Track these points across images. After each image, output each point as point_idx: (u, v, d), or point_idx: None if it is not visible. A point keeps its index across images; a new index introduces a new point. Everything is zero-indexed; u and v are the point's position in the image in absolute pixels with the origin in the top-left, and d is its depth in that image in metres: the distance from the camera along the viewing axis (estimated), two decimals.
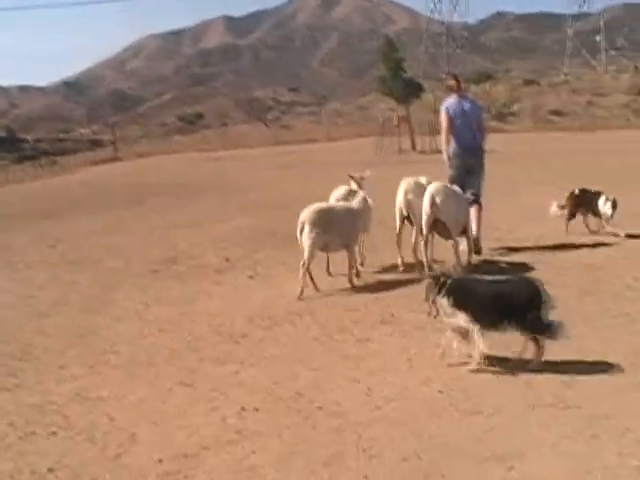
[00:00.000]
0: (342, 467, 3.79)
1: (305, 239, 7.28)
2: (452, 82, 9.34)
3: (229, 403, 4.75)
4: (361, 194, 8.09)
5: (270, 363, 5.49)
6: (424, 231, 7.97)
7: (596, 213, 9.54)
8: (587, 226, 9.79)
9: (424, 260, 7.99)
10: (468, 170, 8.91)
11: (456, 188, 8.31)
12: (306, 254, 7.25)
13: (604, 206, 9.32)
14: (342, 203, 8.06)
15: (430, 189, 7.89)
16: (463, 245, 8.30)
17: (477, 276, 5.99)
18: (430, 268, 7.88)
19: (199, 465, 3.90)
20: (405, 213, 8.26)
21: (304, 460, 3.89)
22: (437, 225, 7.96)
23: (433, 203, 7.77)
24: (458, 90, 9.20)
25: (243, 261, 9.17)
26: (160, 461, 3.96)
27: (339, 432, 4.20)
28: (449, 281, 5.05)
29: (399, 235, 8.38)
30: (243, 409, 4.62)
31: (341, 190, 8.63)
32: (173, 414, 4.62)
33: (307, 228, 7.25)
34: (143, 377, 5.35)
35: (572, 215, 9.74)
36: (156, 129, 52.21)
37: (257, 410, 4.61)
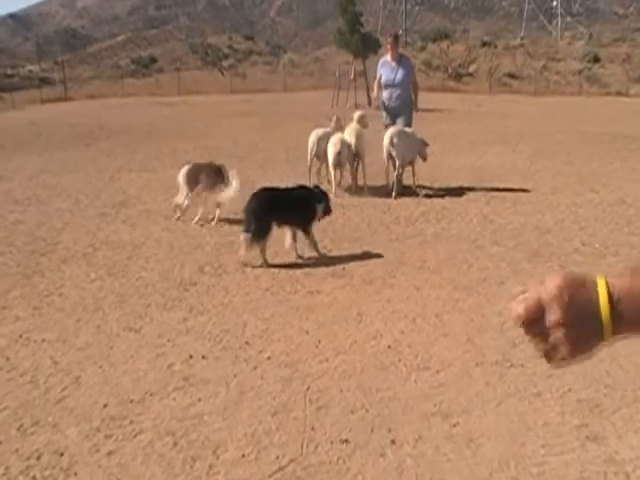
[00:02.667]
0: (289, 417, 3.79)
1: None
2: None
3: (176, 350, 4.70)
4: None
5: (219, 312, 5.45)
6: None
7: None
8: None
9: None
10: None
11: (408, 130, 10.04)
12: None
13: None
14: None
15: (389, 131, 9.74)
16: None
17: None
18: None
19: (144, 411, 3.86)
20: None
21: (251, 409, 3.88)
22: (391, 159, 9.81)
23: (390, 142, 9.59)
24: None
25: (194, 208, 9.02)
26: (105, 406, 3.91)
27: (287, 382, 4.20)
28: None
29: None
30: (190, 356, 4.59)
31: (319, 131, 10.27)
32: (119, 359, 4.56)
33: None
34: (89, 321, 5.26)
35: None
36: (108, 71, 50.75)
37: (204, 358, 4.57)
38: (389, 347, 4.73)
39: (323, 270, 6.46)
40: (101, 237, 7.69)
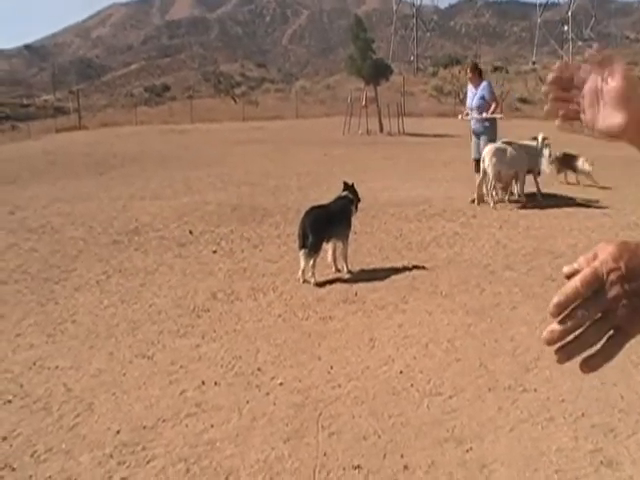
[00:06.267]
0: (302, 443, 3.78)
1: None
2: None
3: (189, 376, 4.71)
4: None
5: (231, 338, 5.46)
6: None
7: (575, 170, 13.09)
8: (566, 180, 13.27)
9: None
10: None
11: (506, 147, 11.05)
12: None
13: (583, 165, 12.86)
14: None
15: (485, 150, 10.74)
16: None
17: None
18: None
19: (157, 437, 3.87)
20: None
21: (263, 435, 3.88)
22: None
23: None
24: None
25: (206, 235, 9.09)
26: (118, 432, 3.92)
27: (299, 409, 4.20)
28: None
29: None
30: (203, 383, 4.59)
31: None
32: (132, 386, 4.57)
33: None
34: (102, 348, 5.28)
35: (559, 172, 13.22)
36: (122, 99, 51.50)
37: (217, 384, 4.58)
38: (401, 372, 4.72)
39: (335, 296, 6.47)
40: (114, 264, 7.74)
